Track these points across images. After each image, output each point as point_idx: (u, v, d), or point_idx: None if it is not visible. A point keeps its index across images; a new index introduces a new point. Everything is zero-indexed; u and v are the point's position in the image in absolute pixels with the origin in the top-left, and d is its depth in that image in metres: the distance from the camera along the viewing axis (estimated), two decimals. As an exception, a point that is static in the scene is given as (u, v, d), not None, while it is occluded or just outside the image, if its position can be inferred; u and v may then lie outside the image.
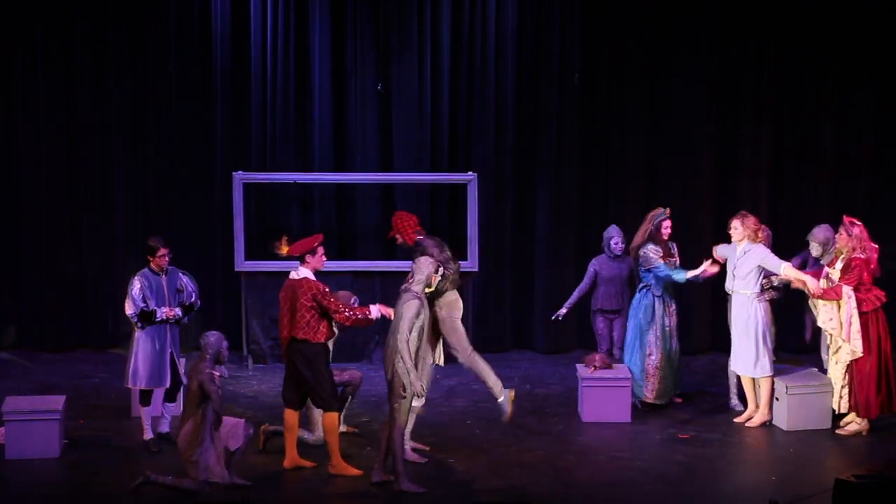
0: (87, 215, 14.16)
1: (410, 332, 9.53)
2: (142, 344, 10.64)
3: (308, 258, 10.01)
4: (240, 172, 13.61)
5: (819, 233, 11.67)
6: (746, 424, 11.41)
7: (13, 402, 10.65)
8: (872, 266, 11.04)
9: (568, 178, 14.34)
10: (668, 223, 11.74)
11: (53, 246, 14.12)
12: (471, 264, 13.48)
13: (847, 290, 10.86)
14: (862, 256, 10.92)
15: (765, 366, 11.32)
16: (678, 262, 11.85)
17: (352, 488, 9.69)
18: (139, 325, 10.61)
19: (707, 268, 11.50)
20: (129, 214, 14.20)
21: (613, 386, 11.46)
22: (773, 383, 11.36)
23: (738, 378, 11.75)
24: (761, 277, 11.31)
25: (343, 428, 10.75)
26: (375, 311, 10.04)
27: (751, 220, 11.38)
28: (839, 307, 10.93)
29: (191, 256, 14.22)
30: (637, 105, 14.31)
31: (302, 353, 9.94)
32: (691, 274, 11.53)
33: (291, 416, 10.12)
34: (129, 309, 10.59)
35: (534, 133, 14.33)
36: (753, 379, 11.44)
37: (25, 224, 14.11)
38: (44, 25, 13.88)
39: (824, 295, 10.94)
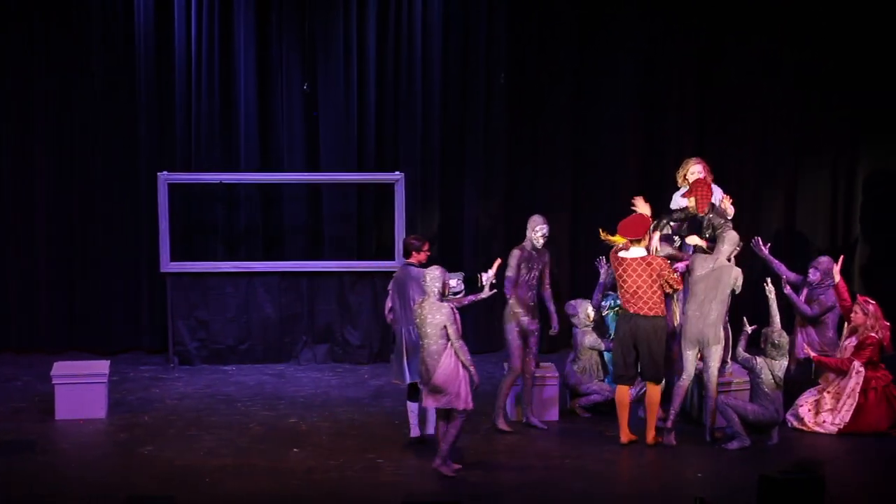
0: (9, 215, 13.95)
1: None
2: (405, 339, 10.66)
3: (644, 237, 10.66)
4: (164, 173, 13.48)
5: (825, 262, 11.79)
6: None
7: (-67, 407, 10.50)
8: (886, 344, 11.35)
9: (496, 176, 14.37)
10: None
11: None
12: (398, 263, 13.43)
13: (857, 366, 11.21)
14: (876, 336, 11.26)
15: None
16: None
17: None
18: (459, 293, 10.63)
19: None
20: (52, 214, 14.01)
21: (541, 385, 11.49)
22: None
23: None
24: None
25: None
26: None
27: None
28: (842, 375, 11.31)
29: (116, 257, 14.10)
30: (565, 103, 14.40)
31: (652, 327, 10.58)
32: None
33: (625, 392, 10.73)
34: (453, 280, 10.44)
35: (461, 131, 14.34)
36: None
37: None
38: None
39: (839, 365, 11.28)
